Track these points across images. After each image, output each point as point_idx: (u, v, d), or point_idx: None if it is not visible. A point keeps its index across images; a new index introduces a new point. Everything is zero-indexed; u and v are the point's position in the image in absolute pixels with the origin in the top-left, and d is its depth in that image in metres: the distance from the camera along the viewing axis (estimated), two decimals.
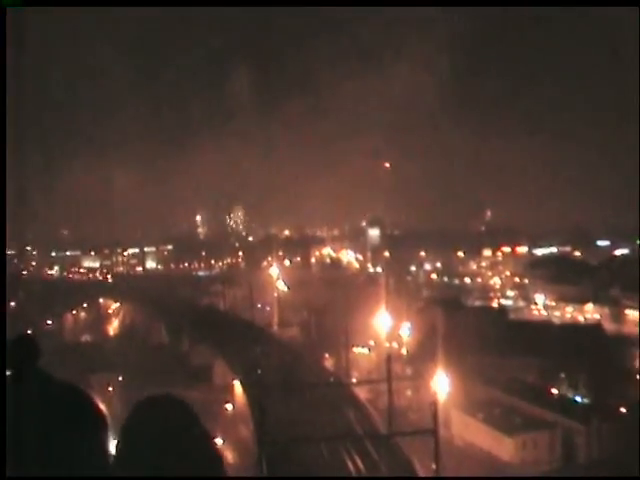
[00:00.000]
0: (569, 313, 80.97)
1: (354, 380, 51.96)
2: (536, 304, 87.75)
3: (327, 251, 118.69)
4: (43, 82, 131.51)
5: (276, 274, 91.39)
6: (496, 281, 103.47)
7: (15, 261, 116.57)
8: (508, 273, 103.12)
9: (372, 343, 63.35)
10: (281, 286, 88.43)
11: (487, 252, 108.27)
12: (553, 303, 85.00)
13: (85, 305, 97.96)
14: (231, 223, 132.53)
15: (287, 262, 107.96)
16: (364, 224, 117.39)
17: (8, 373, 2.81)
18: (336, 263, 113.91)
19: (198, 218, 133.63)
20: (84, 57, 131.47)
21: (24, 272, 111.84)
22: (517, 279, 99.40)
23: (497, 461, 42.89)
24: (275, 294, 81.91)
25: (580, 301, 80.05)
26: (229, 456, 44.25)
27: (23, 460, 2.38)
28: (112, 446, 2.33)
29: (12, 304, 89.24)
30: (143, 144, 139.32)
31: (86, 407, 2.44)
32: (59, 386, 2.59)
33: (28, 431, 2.41)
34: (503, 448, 43.43)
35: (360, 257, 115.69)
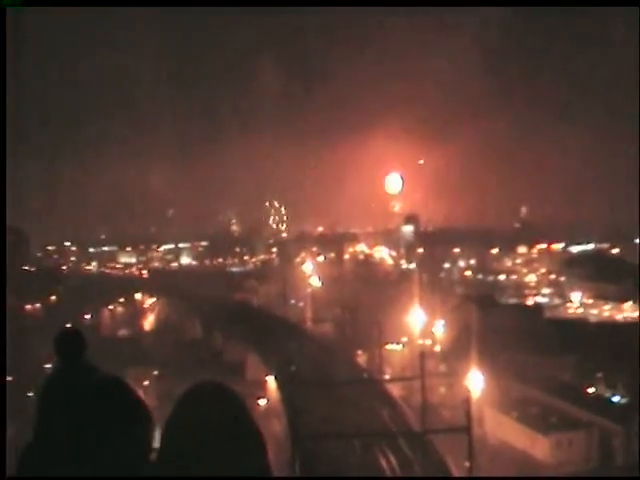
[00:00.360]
0: (607, 311, 79.66)
1: (387, 377, 51.88)
2: (572, 302, 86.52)
3: (361, 247, 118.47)
4: (75, 81, 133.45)
5: (309, 270, 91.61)
6: (531, 278, 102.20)
7: (55, 256, 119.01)
8: (544, 270, 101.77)
9: (405, 340, 63.15)
10: (314, 282, 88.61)
11: (522, 249, 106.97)
12: (590, 301, 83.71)
13: (122, 300, 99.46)
14: (265, 219, 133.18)
15: (321, 258, 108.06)
16: (398, 221, 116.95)
17: (52, 365, 2.88)
18: (369, 259, 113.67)
19: (232, 214, 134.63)
20: (113, 55, 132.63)
21: (64, 267, 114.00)
22: (553, 276, 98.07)
23: (531, 460, 42.50)
24: (308, 290, 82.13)
25: (618, 299, 78.68)
26: None
27: (65, 453, 2.39)
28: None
29: (52, 298, 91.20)
30: (177, 141, 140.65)
31: (131, 400, 2.48)
32: (105, 378, 2.63)
33: (72, 423, 2.42)
34: (537, 447, 43.00)
35: (394, 253, 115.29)
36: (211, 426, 1.61)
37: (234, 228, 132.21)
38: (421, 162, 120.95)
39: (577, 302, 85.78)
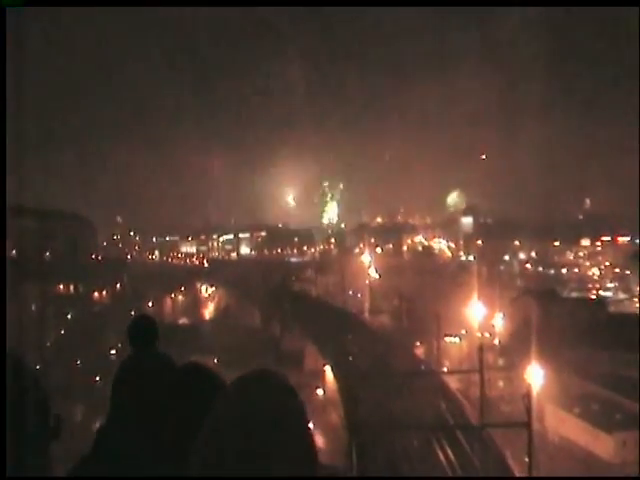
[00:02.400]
0: None
1: (445, 369, 51.51)
2: (639, 296, 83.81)
3: (419, 239, 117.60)
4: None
5: (368, 261, 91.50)
6: (594, 272, 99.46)
7: (120, 245, 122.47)
8: (608, 264, 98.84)
9: (464, 332, 62.46)
10: (372, 273, 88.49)
11: (585, 242, 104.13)
12: None
13: (183, 289, 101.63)
14: (324, 210, 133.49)
15: (379, 250, 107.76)
16: (457, 212, 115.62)
17: (126, 354, 2.95)
18: (428, 251, 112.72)
19: (291, 203, 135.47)
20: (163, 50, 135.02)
21: (128, 256, 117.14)
22: (618, 270, 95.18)
23: (594, 459, 41.46)
24: (366, 281, 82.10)
25: None
26: (319, 441, 44.98)
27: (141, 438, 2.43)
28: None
29: (117, 286, 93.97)
30: (238, 132, 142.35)
31: (216, 384, 2.39)
32: (185, 366, 2.55)
33: (150, 410, 2.43)
34: (601, 446, 41.88)
35: (452, 245, 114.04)
36: (257, 416, 1.55)
37: (293, 218, 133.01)
38: (484, 157, 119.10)
39: None
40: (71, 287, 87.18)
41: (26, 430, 2.01)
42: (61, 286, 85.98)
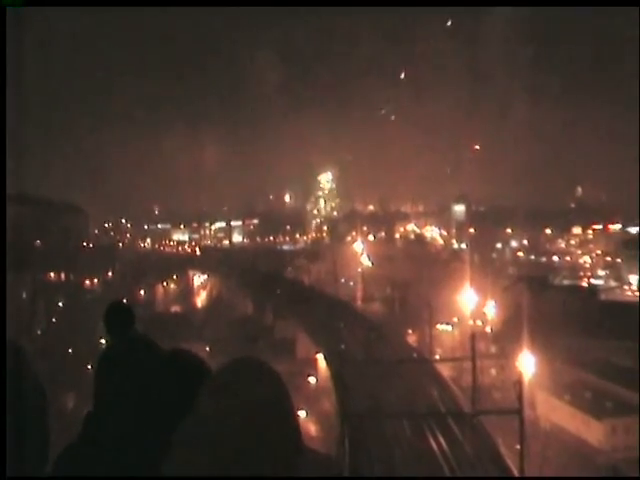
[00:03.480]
0: None
1: (437, 357, 51.68)
2: (630, 284, 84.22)
3: (411, 227, 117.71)
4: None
5: (360, 249, 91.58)
6: (586, 260, 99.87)
7: (112, 233, 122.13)
8: (599, 252, 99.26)
9: (456, 320, 62.69)
10: (365, 261, 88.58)
11: (577, 230, 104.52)
12: None
13: (175, 277, 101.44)
14: (316, 198, 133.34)
15: (371, 237, 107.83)
16: (449, 200, 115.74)
17: (104, 341, 2.89)
18: (420, 239, 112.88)
19: (285, 194, 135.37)
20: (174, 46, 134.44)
21: (120, 244, 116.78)
22: (609, 258, 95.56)
23: (585, 445, 41.80)
24: (359, 269, 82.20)
25: None
26: (312, 428, 45.11)
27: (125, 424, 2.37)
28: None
29: (109, 274, 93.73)
30: (230, 121, 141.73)
31: (199, 369, 2.33)
32: (167, 351, 2.51)
33: (128, 397, 2.39)
34: (592, 432, 42.19)
35: (445, 233, 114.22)
36: (242, 404, 1.56)
37: (285, 206, 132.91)
38: (477, 147, 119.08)
39: (635, 285, 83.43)
40: (62, 275, 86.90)
41: (26, 430, 1.99)
42: (52, 274, 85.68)
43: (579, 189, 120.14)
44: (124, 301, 3.11)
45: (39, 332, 70.55)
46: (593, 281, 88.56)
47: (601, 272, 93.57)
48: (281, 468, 1.56)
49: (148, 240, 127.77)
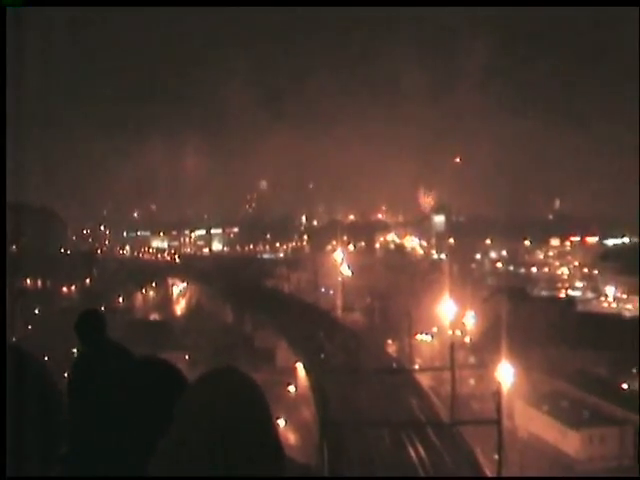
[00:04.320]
0: None
1: (417, 367, 51.77)
2: (606, 296, 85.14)
3: (391, 237, 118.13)
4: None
5: (340, 259, 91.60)
6: (564, 271, 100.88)
7: (90, 240, 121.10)
8: (577, 263, 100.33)
9: (435, 330, 62.89)
10: (345, 271, 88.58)
11: (555, 241, 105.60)
12: (624, 296, 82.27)
13: (154, 284, 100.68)
14: (297, 206, 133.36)
15: (351, 247, 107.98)
16: (429, 211, 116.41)
17: (76, 350, 2.86)
18: (400, 249, 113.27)
19: (265, 201, 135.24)
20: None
21: (98, 251, 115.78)
22: (586, 270, 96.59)
23: (561, 455, 42.05)
24: (339, 278, 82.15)
25: None
26: (291, 437, 44.89)
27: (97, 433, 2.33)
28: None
29: (87, 281, 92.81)
30: (210, 128, 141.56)
31: (172, 375, 2.26)
32: (139, 358, 2.44)
33: (100, 404, 2.35)
34: (568, 442, 42.48)
35: (424, 243, 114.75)
36: (221, 413, 1.54)
37: (265, 215, 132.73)
38: (458, 160, 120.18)
39: (611, 296, 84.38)
40: (39, 282, 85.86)
41: (26, 430, 1.96)
42: (28, 280, 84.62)
43: (557, 201, 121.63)
44: (97, 309, 3.08)
45: (14, 339, 69.56)
46: (571, 292, 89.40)
47: (579, 283, 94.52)
48: (260, 477, 1.54)
49: (127, 247, 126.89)
